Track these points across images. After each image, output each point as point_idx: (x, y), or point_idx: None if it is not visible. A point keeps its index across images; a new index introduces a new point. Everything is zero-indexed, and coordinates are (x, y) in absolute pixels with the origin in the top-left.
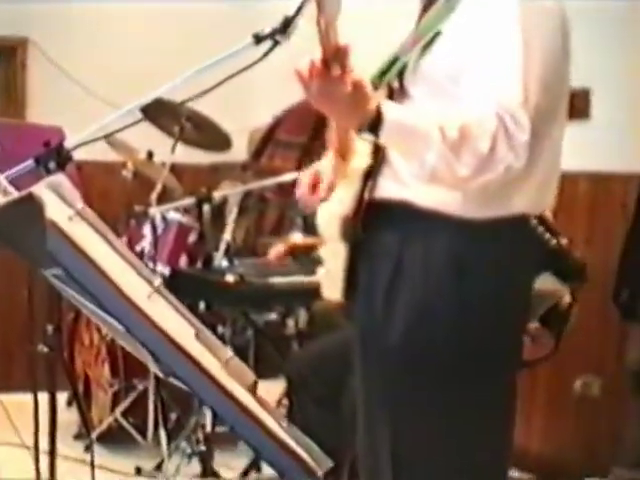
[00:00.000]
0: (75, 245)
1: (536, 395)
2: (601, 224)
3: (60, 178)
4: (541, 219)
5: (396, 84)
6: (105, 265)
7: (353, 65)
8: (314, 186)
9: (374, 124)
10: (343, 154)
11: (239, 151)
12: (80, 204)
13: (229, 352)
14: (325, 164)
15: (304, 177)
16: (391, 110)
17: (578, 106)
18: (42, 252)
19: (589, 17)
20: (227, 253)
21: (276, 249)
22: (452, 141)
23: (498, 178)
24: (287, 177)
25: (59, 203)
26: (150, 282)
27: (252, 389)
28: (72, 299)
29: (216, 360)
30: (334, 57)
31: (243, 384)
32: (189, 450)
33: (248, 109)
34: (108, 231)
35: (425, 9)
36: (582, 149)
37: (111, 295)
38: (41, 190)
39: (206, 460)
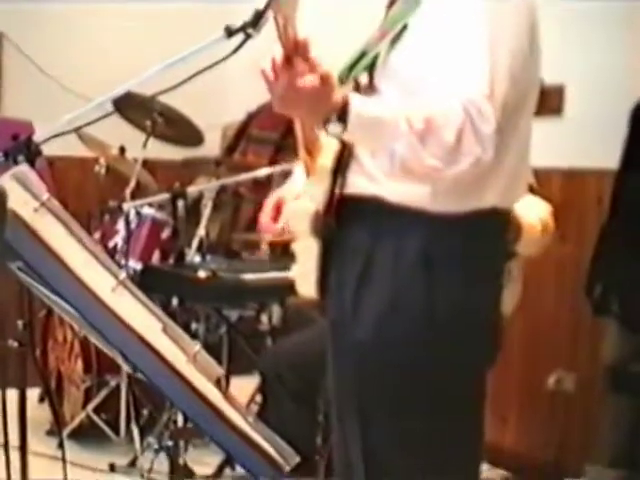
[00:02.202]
0: (37, 236)
1: (509, 390)
2: (574, 220)
3: (25, 169)
4: None
5: (365, 79)
6: (68, 257)
7: (317, 58)
8: (277, 211)
9: (341, 116)
10: (310, 151)
11: (212, 146)
12: (45, 195)
13: (197, 346)
14: (289, 189)
15: (268, 203)
16: (357, 101)
17: (551, 103)
18: (2, 244)
19: (564, 15)
20: (200, 249)
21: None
22: (418, 131)
23: (467, 170)
24: (261, 172)
25: (24, 194)
26: (115, 275)
27: (219, 383)
28: (41, 295)
29: (183, 354)
30: (295, 52)
31: (210, 378)
32: (156, 446)
33: (221, 104)
34: (73, 223)
35: (392, 3)
36: (556, 145)
37: (73, 287)
38: (5, 181)
39: (174, 456)
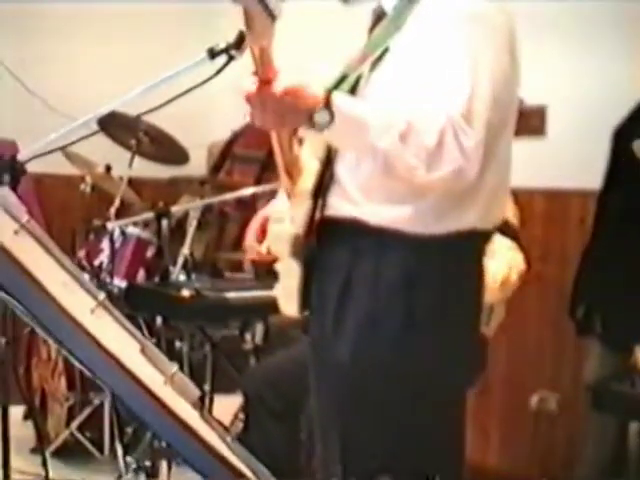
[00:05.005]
0: (15, 259)
1: (493, 410)
2: (557, 240)
3: (5, 191)
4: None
5: None
6: (47, 279)
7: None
8: (262, 231)
9: (326, 106)
10: (290, 174)
11: (198, 165)
12: (25, 217)
13: (174, 367)
14: (274, 208)
15: (254, 223)
16: (340, 96)
17: (534, 123)
18: None
19: (546, 36)
20: (185, 267)
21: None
22: (401, 131)
23: (449, 178)
24: (246, 192)
25: (3, 216)
26: (94, 296)
27: (196, 405)
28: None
29: (161, 375)
30: (275, 75)
31: (188, 399)
32: (134, 465)
33: (207, 123)
34: (53, 245)
35: (373, 28)
36: (539, 166)
37: (50, 311)
38: None
39: (153, 476)
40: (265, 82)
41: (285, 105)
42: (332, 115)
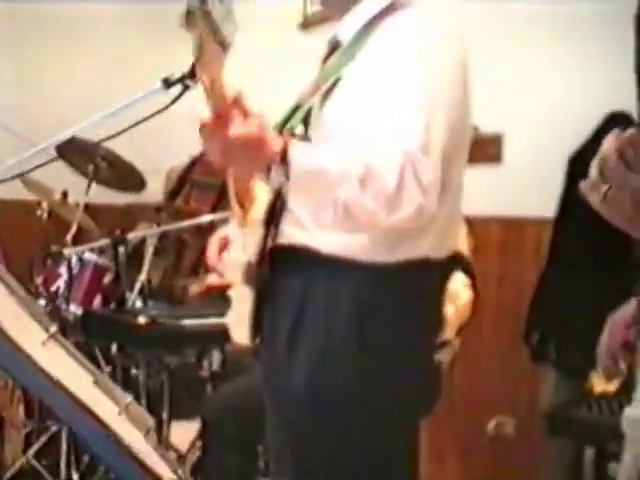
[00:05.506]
0: None
1: (450, 435)
2: (513, 267)
3: None
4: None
5: (301, 131)
6: None
7: (253, 108)
8: (222, 251)
9: (282, 163)
10: (242, 203)
11: (156, 192)
12: None
13: (128, 397)
14: (233, 228)
15: (213, 242)
16: (298, 149)
17: (490, 151)
18: None
19: (503, 63)
20: (142, 294)
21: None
22: (359, 177)
23: (410, 218)
24: (203, 219)
25: None
26: (46, 328)
27: (150, 435)
28: None
29: (115, 406)
30: (228, 109)
31: (141, 429)
32: None
33: (165, 149)
34: (5, 274)
35: (326, 58)
36: (495, 194)
37: (1, 344)
38: None
39: None
40: (220, 116)
41: (239, 154)
42: (287, 175)
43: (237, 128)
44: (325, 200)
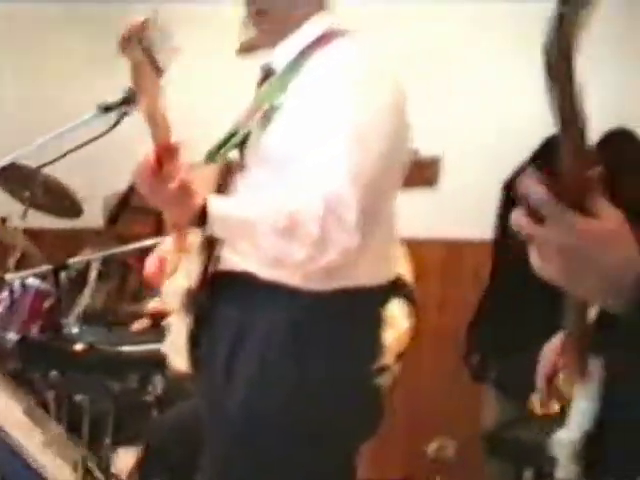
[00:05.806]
0: None
1: (391, 457)
2: (454, 290)
3: None
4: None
5: (238, 156)
6: None
7: (183, 163)
8: (160, 269)
9: (201, 220)
10: (180, 230)
11: (98, 216)
12: None
13: (58, 428)
14: (169, 247)
15: (150, 260)
16: (217, 206)
17: (427, 174)
18: None
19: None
20: (83, 319)
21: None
22: (283, 229)
23: (336, 260)
24: (147, 242)
25: None
26: None
27: (77, 465)
28: None
29: (41, 436)
30: (165, 153)
31: (68, 461)
32: None
33: (104, 174)
34: None
35: (261, 83)
36: (434, 217)
37: None
38: None
39: None
40: (150, 161)
41: (167, 201)
42: (205, 230)
43: (164, 185)
44: (254, 247)
